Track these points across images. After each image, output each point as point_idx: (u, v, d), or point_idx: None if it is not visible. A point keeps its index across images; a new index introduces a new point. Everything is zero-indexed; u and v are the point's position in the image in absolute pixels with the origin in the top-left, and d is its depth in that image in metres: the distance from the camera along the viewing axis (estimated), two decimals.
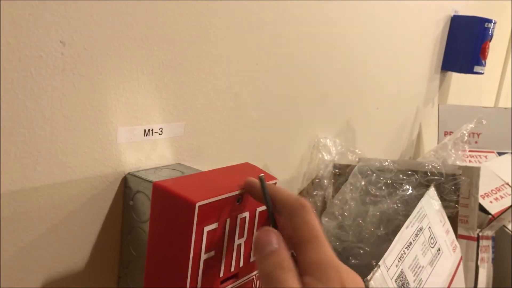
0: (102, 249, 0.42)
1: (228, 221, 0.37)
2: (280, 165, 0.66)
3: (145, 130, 0.43)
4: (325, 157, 0.73)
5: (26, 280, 0.37)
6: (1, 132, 0.32)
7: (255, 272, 0.42)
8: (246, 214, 0.39)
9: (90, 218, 0.40)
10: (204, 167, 0.51)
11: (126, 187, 0.42)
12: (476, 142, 1.11)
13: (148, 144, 0.44)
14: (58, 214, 0.38)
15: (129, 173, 0.42)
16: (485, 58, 1.15)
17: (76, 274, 0.40)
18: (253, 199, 0.38)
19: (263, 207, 0.41)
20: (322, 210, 0.69)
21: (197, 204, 0.34)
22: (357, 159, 0.73)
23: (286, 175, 0.68)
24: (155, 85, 0.43)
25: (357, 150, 0.76)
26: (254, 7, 0.52)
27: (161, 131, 0.45)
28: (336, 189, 0.70)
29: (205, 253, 0.36)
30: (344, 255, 0.62)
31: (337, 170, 0.72)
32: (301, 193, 0.73)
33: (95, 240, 0.41)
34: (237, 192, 0.37)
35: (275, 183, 0.42)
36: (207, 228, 0.35)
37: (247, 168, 0.43)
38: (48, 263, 0.38)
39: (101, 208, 0.41)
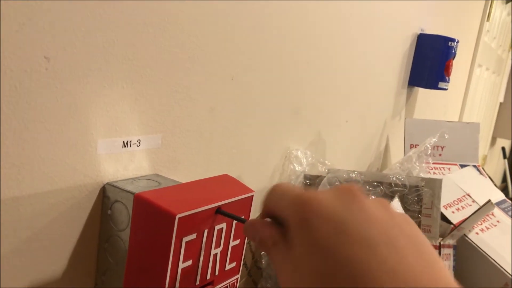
0: (80, 257, 0.43)
1: (206, 232, 0.39)
2: (254, 176, 0.68)
3: (123, 142, 0.45)
4: (296, 168, 0.75)
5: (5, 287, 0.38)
6: None
7: (229, 280, 0.44)
8: (223, 225, 0.41)
9: (69, 226, 0.41)
10: (180, 178, 0.53)
11: (105, 196, 0.44)
12: (440, 155, 1.15)
13: (126, 155, 0.45)
14: (39, 222, 0.39)
15: (107, 183, 0.44)
16: (448, 74, 1.21)
17: (54, 281, 0.41)
18: (231, 210, 0.40)
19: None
20: None
21: (177, 216, 0.35)
22: (326, 170, 0.76)
23: (259, 185, 0.71)
24: (134, 99, 0.45)
25: (326, 162, 0.79)
26: (229, 25, 0.55)
27: (139, 142, 0.46)
28: None
29: (182, 262, 0.37)
30: None
31: (307, 181, 0.75)
32: None
33: (73, 248, 0.42)
34: (215, 204, 0.39)
35: (252, 195, 0.43)
36: (185, 239, 0.37)
37: (226, 180, 0.45)
38: (28, 271, 0.39)
39: (80, 217, 0.42)
